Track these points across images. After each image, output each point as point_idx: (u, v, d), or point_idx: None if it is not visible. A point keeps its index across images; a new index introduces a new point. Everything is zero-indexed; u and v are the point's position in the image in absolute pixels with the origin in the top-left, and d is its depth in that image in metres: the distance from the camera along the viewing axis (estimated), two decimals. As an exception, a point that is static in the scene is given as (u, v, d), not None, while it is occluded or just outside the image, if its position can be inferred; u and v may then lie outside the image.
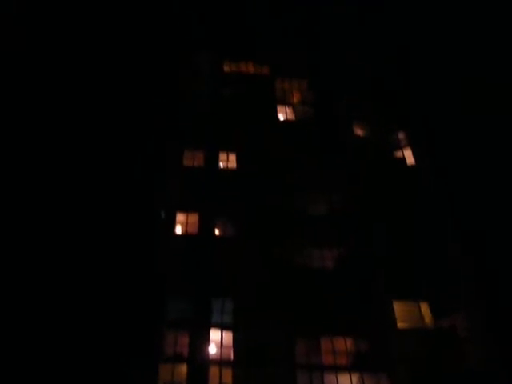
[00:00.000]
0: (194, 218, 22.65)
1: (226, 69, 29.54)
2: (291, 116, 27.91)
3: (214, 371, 19.00)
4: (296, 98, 28.76)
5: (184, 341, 19.43)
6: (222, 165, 24.90)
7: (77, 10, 24.94)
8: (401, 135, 27.03)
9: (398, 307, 21.25)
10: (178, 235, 22.40)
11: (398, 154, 26.44)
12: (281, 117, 27.71)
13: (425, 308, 21.36)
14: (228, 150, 25.42)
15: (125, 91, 24.03)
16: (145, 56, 26.05)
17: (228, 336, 19.98)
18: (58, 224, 19.85)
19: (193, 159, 24.75)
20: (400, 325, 20.75)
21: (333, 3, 32.40)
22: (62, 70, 23.09)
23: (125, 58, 25.19)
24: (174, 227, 22.43)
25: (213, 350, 19.67)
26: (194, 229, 22.41)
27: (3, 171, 19.70)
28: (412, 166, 25.87)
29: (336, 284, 21.63)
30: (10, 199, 19.33)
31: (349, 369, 19.59)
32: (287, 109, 28.06)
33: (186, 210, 22.88)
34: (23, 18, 23.00)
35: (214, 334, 20.00)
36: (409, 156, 26.24)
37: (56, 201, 20.19)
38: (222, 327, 19.98)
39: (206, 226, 22.45)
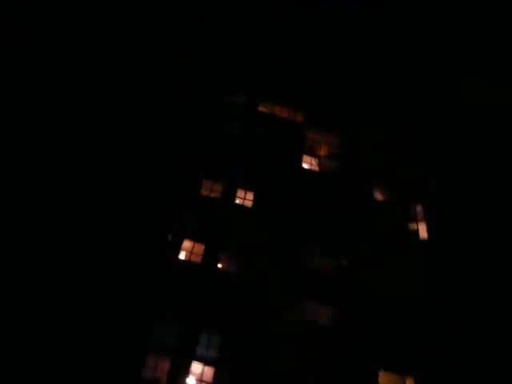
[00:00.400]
0: (199, 248, 22.75)
1: (261, 108, 29.85)
2: (316, 167, 28.01)
3: (186, 404, 18.91)
4: (323, 151, 28.88)
5: (165, 367, 19.32)
6: (238, 201, 25.05)
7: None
8: (419, 208, 27.04)
9: (384, 378, 20.96)
10: (181, 260, 22.42)
11: (413, 226, 26.41)
12: (305, 166, 27.87)
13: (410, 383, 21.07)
14: (247, 188, 25.57)
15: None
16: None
17: (209, 371, 19.80)
18: (54, 228, 20.00)
19: (210, 190, 24.93)
20: (383, 396, 20.53)
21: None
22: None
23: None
24: (178, 252, 22.51)
25: (192, 382, 19.51)
26: (197, 258, 22.47)
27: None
28: (424, 241, 25.79)
29: (326, 342, 21.46)
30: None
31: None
32: (313, 160, 28.16)
33: (193, 238, 22.93)
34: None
35: (196, 367, 19.86)
36: (422, 230, 26.17)
37: (55, 203, 20.33)
38: (206, 361, 19.85)
39: (209, 258, 22.49)
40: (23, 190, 19.75)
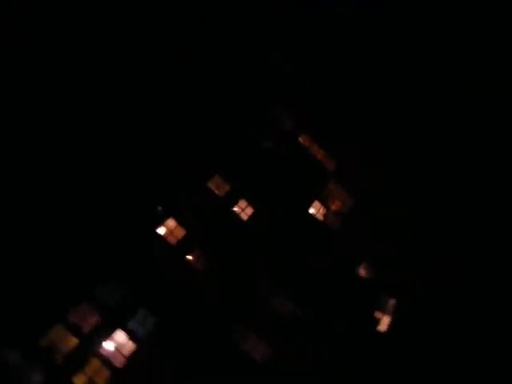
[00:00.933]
0: (180, 232, 22.82)
1: (301, 140, 29.93)
2: (320, 217, 28.04)
3: (94, 363, 18.81)
4: (335, 206, 28.94)
5: (91, 320, 19.33)
6: (236, 209, 25.12)
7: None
8: (392, 301, 26.92)
9: None
10: (158, 234, 22.44)
11: (378, 314, 26.28)
12: (312, 210, 27.88)
13: None
14: (249, 202, 25.60)
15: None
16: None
17: (131, 347, 19.79)
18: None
19: (217, 186, 25.04)
20: None
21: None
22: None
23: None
24: (159, 225, 22.54)
25: (110, 346, 19.52)
26: (173, 240, 22.54)
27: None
28: (380, 332, 25.66)
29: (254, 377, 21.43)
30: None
31: None
32: (321, 209, 28.21)
33: (179, 221, 23.01)
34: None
35: (120, 336, 19.86)
36: (384, 323, 26.04)
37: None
38: (133, 336, 19.81)
39: (184, 246, 22.55)
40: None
